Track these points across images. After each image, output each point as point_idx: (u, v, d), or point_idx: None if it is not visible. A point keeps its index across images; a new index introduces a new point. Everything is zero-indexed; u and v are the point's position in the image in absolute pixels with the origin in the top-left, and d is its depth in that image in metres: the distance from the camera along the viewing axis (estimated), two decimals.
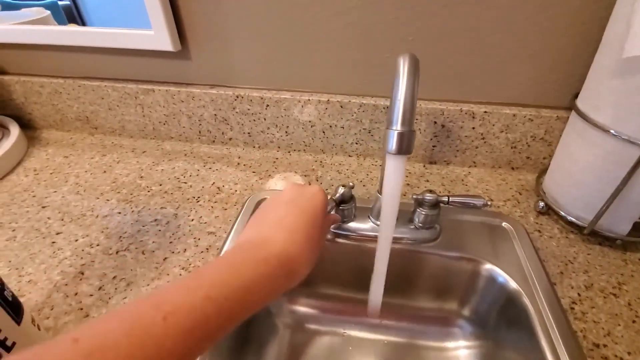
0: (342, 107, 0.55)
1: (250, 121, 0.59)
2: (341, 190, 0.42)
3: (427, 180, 0.55)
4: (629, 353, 0.33)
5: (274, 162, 0.59)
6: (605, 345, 0.34)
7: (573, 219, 0.45)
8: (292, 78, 0.56)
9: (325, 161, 0.59)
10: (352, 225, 0.44)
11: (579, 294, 0.38)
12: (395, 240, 0.43)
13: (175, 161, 0.60)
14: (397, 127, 0.26)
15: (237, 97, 0.57)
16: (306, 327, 0.47)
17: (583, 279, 0.40)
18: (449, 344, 0.44)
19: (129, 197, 0.52)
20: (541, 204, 0.49)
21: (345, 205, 0.43)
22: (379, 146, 0.58)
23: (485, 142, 0.55)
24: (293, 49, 0.53)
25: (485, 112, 0.52)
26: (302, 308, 0.48)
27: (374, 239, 0.43)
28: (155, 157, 0.61)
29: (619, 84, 0.36)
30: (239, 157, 0.60)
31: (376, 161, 0.59)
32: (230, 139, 0.62)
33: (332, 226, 0.44)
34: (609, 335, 0.34)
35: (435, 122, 0.54)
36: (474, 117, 0.53)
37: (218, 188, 0.53)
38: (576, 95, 0.44)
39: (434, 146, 0.57)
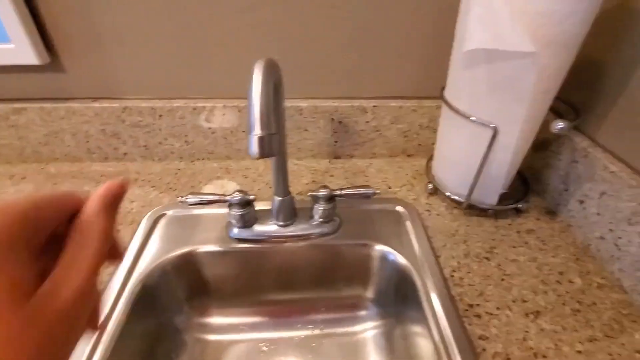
0: (239, 111, 0.55)
1: (145, 133, 0.56)
2: (237, 196, 0.41)
3: (332, 175, 0.57)
4: (497, 308, 0.38)
5: (176, 173, 0.57)
6: (478, 305, 0.38)
7: (455, 197, 0.50)
8: (183, 85, 0.54)
9: (232, 167, 0.59)
10: (256, 228, 0.44)
11: (458, 262, 0.43)
12: (299, 237, 0.44)
13: (62, 184, 0.54)
14: (256, 131, 0.26)
15: (125, 109, 0.53)
16: (218, 338, 0.46)
17: (462, 248, 0.45)
18: (358, 327, 0.47)
19: None
20: (430, 186, 0.54)
21: (243, 209, 0.43)
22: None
23: (380, 134, 0.59)
24: (183, 54, 0.51)
25: (374, 106, 0.56)
26: (213, 319, 0.47)
27: (279, 240, 0.44)
28: (37, 183, 0.54)
29: (468, 75, 0.41)
30: (138, 173, 0.57)
31: None
32: (125, 154, 0.58)
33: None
34: (481, 295, 0.39)
35: (332, 119, 0.57)
36: (365, 112, 0.56)
37: None
38: (444, 87, 0.50)
39: (335, 142, 0.59)
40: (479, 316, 0.37)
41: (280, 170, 0.40)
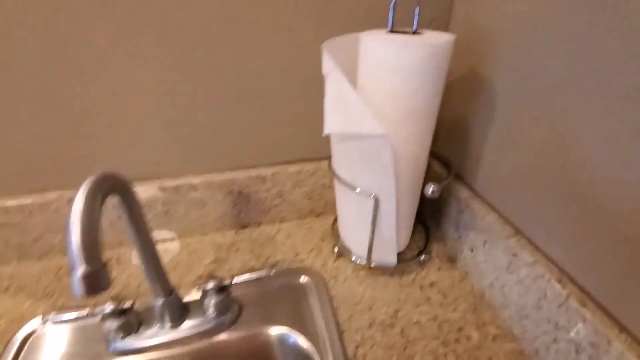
0: None
1: (17, 233, 0.50)
2: (110, 306, 0.37)
3: (237, 250, 0.55)
4: None
5: (58, 272, 0.50)
6: None
7: (358, 259, 0.50)
8: (55, 175, 0.49)
9: (124, 256, 0.53)
10: (140, 336, 0.40)
11: (362, 335, 0.42)
12: (192, 338, 0.40)
13: None
14: (77, 269, 0.23)
15: None
16: None
17: (367, 317, 0.44)
18: None
19: None
20: (336, 248, 0.53)
21: (120, 318, 0.38)
22: (182, 225, 0.56)
23: (283, 199, 0.58)
24: (50, 140, 0.47)
25: (272, 174, 0.55)
26: None
27: (168, 345, 0.40)
28: None
29: (342, 148, 0.42)
30: (11, 278, 0.49)
31: (183, 240, 0.56)
32: None
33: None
34: None
35: (230, 191, 0.55)
36: (264, 181, 0.55)
37: None
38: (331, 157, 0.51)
39: (239, 212, 0.57)
40: None
41: (152, 269, 0.36)
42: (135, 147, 0.49)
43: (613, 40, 0.28)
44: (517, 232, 0.42)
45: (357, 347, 0.41)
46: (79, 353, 0.39)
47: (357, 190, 0.42)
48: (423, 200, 0.60)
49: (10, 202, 0.47)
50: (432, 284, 0.49)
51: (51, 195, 0.49)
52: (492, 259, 0.44)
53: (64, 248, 0.52)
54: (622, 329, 0.31)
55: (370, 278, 0.50)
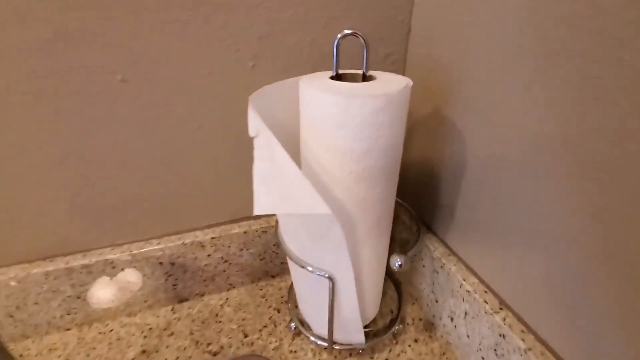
0: (19, 282, 0.40)
1: None
2: None
3: (172, 334, 0.44)
4: None
5: None
6: None
7: (319, 341, 0.41)
8: None
9: (31, 349, 0.42)
10: None
11: None
12: None
13: None
14: None
15: None
16: None
17: None
18: None
19: None
20: (292, 325, 0.44)
21: None
22: (102, 309, 0.45)
23: (230, 264, 0.49)
24: None
25: (212, 238, 0.46)
26: None
27: None
28: None
29: (287, 221, 0.34)
30: None
31: (106, 325, 0.45)
32: None
33: None
34: None
35: (161, 263, 0.45)
36: (203, 247, 0.46)
37: None
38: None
39: (174, 285, 0.47)
40: None
41: None
42: (34, 218, 0.39)
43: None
44: (504, 304, 0.35)
45: None
46: None
47: (309, 269, 0.34)
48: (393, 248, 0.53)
49: None
50: None
51: None
52: (476, 334, 0.37)
53: None
54: None
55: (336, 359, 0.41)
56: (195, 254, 0.46)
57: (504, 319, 0.33)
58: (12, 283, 0.40)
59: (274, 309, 0.48)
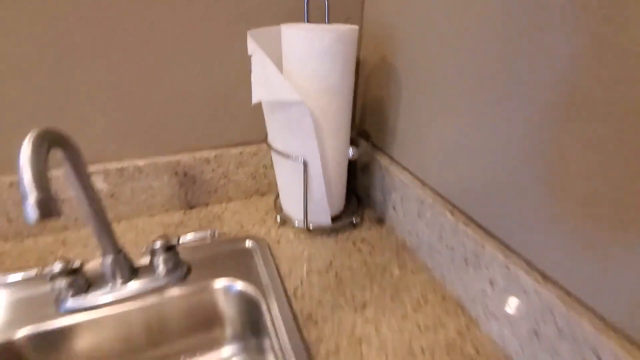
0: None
1: None
2: (58, 266, 0.39)
3: (185, 227, 0.58)
4: (332, 310, 0.43)
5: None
6: (316, 313, 0.43)
7: (297, 222, 0.56)
8: None
9: (70, 238, 0.54)
10: (91, 294, 0.42)
11: (301, 280, 0.48)
12: (142, 294, 0.43)
13: None
14: (31, 196, 0.27)
15: None
16: None
17: (306, 267, 0.50)
18: None
19: None
20: (278, 217, 0.59)
21: (69, 278, 0.40)
22: (130, 208, 0.58)
23: (229, 179, 0.63)
24: None
25: (215, 156, 0.60)
26: None
27: (120, 301, 0.42)
28: None
29: (272, 120, 0.49)
30: None
31: (130, 221, 0.59)
32: None
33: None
34: (320, 304, 0.44)
35: (176, 173, 0.59)
36: (208, 162, 0.60)
37: None
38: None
39: (185, 193, 0.61)
40: (316, 322, 0.42)
41: (99, 225, 0.39)
42: (78, 131, 0.52)
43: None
44: (424, 184, 0.51)
45: (295, 289, 0.46)
46: (27, 316, 0.40)
47: (291, 157, 0.49)
48: (355, 174, 0.69)
49: None
50: (363, 240, 0.56)
51: None
52: (409, 211, 0.53)
53: (7, 233, 0.52)
54: (493, 236, 0.40)
55: (309, 239, 0.56)
56: (202, 168, 0.60)
57: (423, 191, 0.49)
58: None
59: (264, 213, 0.62)
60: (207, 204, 0.64)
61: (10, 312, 0.41)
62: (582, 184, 0.29)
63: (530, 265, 0.35)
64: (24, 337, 0.39)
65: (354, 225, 0.59)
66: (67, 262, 0.39)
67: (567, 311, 0.31)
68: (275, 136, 0.51)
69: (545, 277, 0.34)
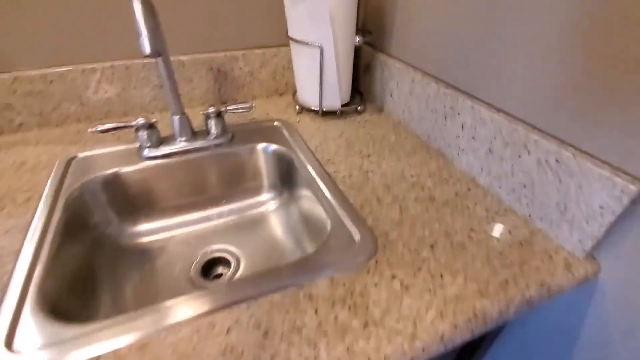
0: (126, 69, 0.64)
1: (38, 101, 0.61)
2: (142, 120, 0.52)
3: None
4: (342, 163, 0.58)
5: (76, 134, 0.63)
6: (334, 164, 0.57)
7: (313, 108, 0.69)
8: (70, 51, 0.61)
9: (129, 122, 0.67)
10: (163, 147, 0.56)
11: (320, 143, 0.62)
12: (201, 149, 0.57)
13: None
14: (144, 34, 0.39)
15: (15, 79, 0.58)
16: (151, 239, 0.56)
17: (323, 136, 0.64)
18: (262, 209, 0.62)
19: None
20: (297, 107, 0.72)
21: (149, 130, 0.54)
22: None
23: (253, 77, 0.75)
24: (67, 21, 0.58)
25: (243, 54, 0.71)
26: (143, 226, 0.57)
27: (185, 153, 0.56)
28: None
29: (293, 12, 0.60)
30: (37, 139, 0.62)
31: None
32: (20, 124, 0.62)
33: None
34: (335, 154, 0.58)
35: (211, 69, 0.70)
36: (237, 60, 0.71)
37: (21, 163, 0.55)
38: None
39: (219, 88, 0.73)
40: (334, 163, 0.56)
41: (171, 89, 0.52)
42: (113, 32, 0.63)
43: None
44: (415, 68, 0.63)
45: (316, 147, 0.60)
46: (118, 161, 0.54)
47: (309, 44, 0.61)
48: (359, 75, 0.80)
49: (34, 72, 0.59)
50: (366, 121, 0.70)
51: (68, 67, 0.61)
52: (403, 93, 0.66)
53: (80, 116, 0.65)
54: (465, 93, 0.53)
55: (324, 121, 0.69)
56: (232, 65, 0.71)
57: (414, 72, 0.62)
58: (111, 73, 0.64)
59: (285, 107, 0.75)
60: (235, 100, 0.76)
61: (105, 161, 0.55)
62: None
63: (489, 106, 0.49)
64: (121, 172, 0.54)
65: (358, 112, 0.73)
66: (147, 119, 0.53)
67: (509, 124, 0.45)
68: (295, 27, 0.62)
69: (498, 110, 0.48)
